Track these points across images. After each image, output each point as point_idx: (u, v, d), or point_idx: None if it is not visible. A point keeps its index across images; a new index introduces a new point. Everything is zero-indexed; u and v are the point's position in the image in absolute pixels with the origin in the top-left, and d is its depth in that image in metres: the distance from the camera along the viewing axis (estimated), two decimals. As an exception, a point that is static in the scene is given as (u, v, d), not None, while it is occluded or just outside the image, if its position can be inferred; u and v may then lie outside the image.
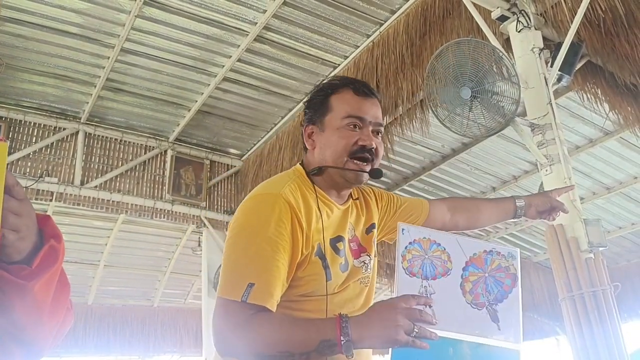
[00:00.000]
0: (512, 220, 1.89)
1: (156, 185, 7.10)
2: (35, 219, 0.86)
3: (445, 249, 1.27)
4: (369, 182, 1.57)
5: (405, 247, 1.24)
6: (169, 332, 9.50)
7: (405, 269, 1.21)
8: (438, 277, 1.23)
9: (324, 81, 1.56)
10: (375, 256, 1.54)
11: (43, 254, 0.86)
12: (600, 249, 3.20)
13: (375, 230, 1.57)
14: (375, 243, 1.57)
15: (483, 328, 1.23)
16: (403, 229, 1.25)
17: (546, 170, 3.50)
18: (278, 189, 1.36)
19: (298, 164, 1.53)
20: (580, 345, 3.04)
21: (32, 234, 0.84)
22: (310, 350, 1.14)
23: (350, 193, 1.56)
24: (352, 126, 1.44)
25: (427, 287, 1.21)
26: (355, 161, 1.43)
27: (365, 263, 1.47)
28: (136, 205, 6.88)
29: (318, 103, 1.50)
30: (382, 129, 1.51)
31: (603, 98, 4.49)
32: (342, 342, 1.11)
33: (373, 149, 1.44)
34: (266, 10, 5.09)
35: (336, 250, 1.40)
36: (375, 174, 1.45)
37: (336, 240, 1.41)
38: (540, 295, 8.66)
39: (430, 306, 1.17)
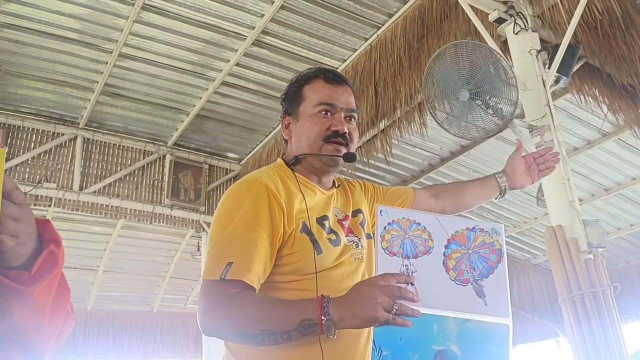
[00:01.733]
0: (499, 198, 1.86)
1: (155, 190, 7.10)
2: (34, 224, 0.85)
3: (425, 228, 1.25)
4: (357, 174, 1.58)
5: (384, 228, 1.23)
6: (169, 337, 9.48)
7: (384, 249, 1.21)
8: (419, 255, 1.22)
9: (299, 74, 1.61)
10: (368, 238, 1.55)
11: (42, 259, 0.85)
12: (600, 249, 3.21)
13: (362, 215, 1.59)
14: (365, 227, 1.58)
15: (469, 304, 1.20)
16: (381, 210, 1.25)
17: (545, 172, 3.50)
18: (255, 175, 1.41)
19: (279, 157, 1.58)
20: (580, 346, 3.04)
21: (31, 239, 0.83)
22: (291, 329, 1.15)
23: (334, 182, 1.60)
24: (324, 113, 1.49)
25: (409, 265, 1.20)
26: (329, 145, 1.47)
27: (354, 242, 1.47)
28: (135, 210, 6.88)
29: (292, 94, 1.57)
30: (355, 114, 1.56)
31: (601, 99, 4.49)
32: (323, 322, 1.12)
33: (346, 134, 1.48)
34: (264, 15, 5.10)
35: (322, 226, 1.42)
36: (348, 158, 1.48)
37: (322, 218, 1.44)
38: (540, 297, 8.66)
39: (412, 284, 1.17)
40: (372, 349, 1.13)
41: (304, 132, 1.50)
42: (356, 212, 1.57)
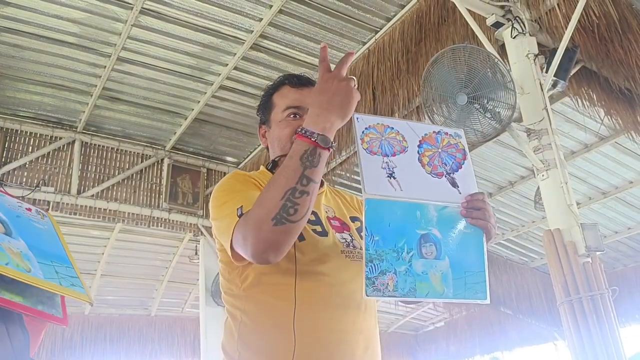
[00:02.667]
0: None
1: (153, 194, 7.09)
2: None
3: (398, 131, 1.38)
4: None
5: (363, 132, 1.33)
6: (167, 341, 9.46)
7: (365, 149, 1.31)
8: (397, 154, 1.34)
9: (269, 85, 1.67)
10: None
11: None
12: (598, 253, 3.22)
13: (360, 223, 1.57)
14: (361, 234, 1.54)
15: (445, 193, 1.35)
16: (357, 118, 1.34)
17: (543, 176, 3.52)
18: (233, 172, 1.51)
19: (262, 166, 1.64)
20: (578, 350, 3.05)
21: None
22: (301, 171, 1.17)
23: (322, 183, 1.59)
24: (292, 116, 1.53)
25: (389, 162, 1.31)
26: None
27: (346, 240, 1.47)
28: (133, 214, 6.87)
29: (264, 104, 1.63)
30: None
31: (598, 103, 4.51)
32: (316, 140, 1.19)
33: None
34: (262, 19, 5.11)
35: (308, 221, 1.40)
36: None
37: None
38: (538, 300, 8.67)
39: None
40: (365, 235, 1.22)
41: (276, 137, 1.55)
42: (354, 219, 1.57)
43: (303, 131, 1.20)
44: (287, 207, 1.16)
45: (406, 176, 1.31)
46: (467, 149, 1.45)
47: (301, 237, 1.35)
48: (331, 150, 1.21)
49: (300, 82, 1.59)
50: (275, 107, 1.57)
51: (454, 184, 1.36)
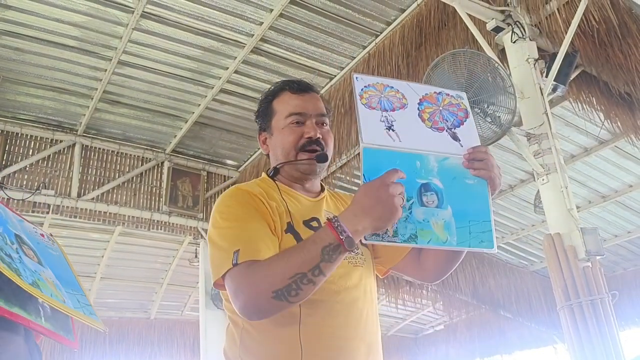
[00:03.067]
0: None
1: (153, 197, 7.09)
2: None
3: (398, 90, 1.37)
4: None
5: (362, 89, 1.33)
6: (166, 344, 9.45)
7: (364, 104, 1.30)
8: (396, 109, 1.33)
9: (267, 90, 1.64)
10: (369, 253, 1.52)
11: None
12: (598, 257, 3.22)
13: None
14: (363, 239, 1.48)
15: (446, 146, 1.33)
16: (357, 77, 1.34)
17: (543, 180, 3.53)
18: (235, 186, 1.46)
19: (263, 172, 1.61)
20: (579, 354, 3.05)
21: None
22: (317, 262, 1.16)
23: (322, 187, 1.61)
24: (295, 123, 1.51)
25: (388, 117, 1.30)
26: (304, 154, 1.49)
27: None
28: (133, 217, 6.87)
29: (264, 111, 1.60)
30: (327, 119, 1.57)
31: (598, 107, 4.53)
32: (343, 239, 1.15)
33: (320, 139, 1.50)
34: (263, 22, 5.12)
35: (310, 227, 1.41)
36: (320, 159, 1.49)
37: (310, 220, 1.43)
38: (538, 304, 8.66)
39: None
40: (363, 182, 1.21)
41: (279, 144, 1.53)
42: None
43: (336, 224, 1.17)
44: (292, 288, 1.17)
45: (405, 129, 1.30)
46: (469, 110, 1.44)
47: None
48: (352, 253, 1.18)
49: (300, 87, 1.57)
50: (277, 113, 1.55)
51: (455, 138, 1.35)
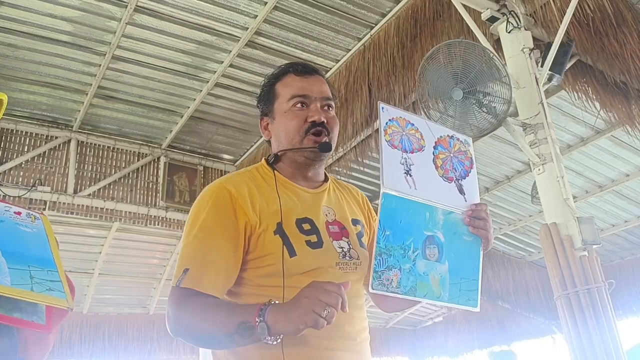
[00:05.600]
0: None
1: (150, 192, 7.08)
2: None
3: (418, 129, 1.42)
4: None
5: (386, 123, 1.36)
6: (165, 339, 9.43)
7: (387, 141, 1.34)
8: (415, 151, 1.38)
9: (270, 74, 1.59)
10: (362, 247, 1.47)
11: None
12: (594, 246, 3.22)
13: (360, 226, 1.52)
14: (363, 239, 1.50)
15: (453, 198, 1.40)
16: (383, 107, 1.38)
17: (539, 170, 3.52)
18: (222, 180, 1.42)
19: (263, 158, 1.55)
20: (576, 343, 3.06)
21: None
22: (231, 332, 1.15)
23: (326, 177, 1.56)
24: (299, 105, 1.46)
25: (407, 159, 1.35)
26: (310, 137, 1.44)
27: (343, 249, 1.40)
28: (130, 212, 6.86)
29: (266, 94, 1.55)
30: (333, 102, 1.52)
31: (594, 97, 4.52)
32: (257, 323, 1.12)
33: (325, 122, 1.45)
34: (257, 16, 5.10)
35: (301, 229, 1.36)
36: (323, 148, 1.44)
37: (302, 221, 1.38)
38: (536, 294, 8.69)
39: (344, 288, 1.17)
40: (378, 228, 1.25)
41: (282, 128, 1.47)
42: (356, 222, 1.51)
43: (265, 305, 1.13)
44: (209, 340, 1.23)
45: (421, 175, 1.35)
46: (474, 158, 1.50)
47: (292, 253, 1.32)
48: (268, 339, 1.12)
49: (305, 70, 1.52)
50: (279, 96, 1.49)
51: (461, 191, 1.42)
